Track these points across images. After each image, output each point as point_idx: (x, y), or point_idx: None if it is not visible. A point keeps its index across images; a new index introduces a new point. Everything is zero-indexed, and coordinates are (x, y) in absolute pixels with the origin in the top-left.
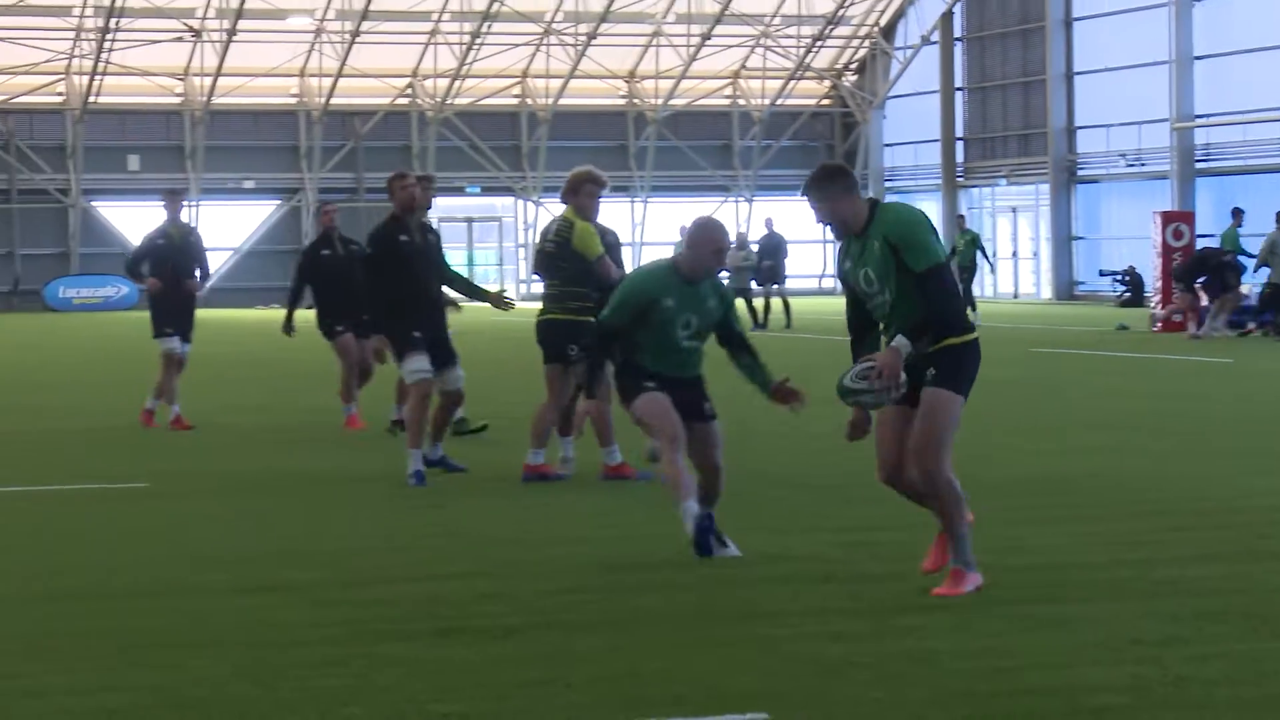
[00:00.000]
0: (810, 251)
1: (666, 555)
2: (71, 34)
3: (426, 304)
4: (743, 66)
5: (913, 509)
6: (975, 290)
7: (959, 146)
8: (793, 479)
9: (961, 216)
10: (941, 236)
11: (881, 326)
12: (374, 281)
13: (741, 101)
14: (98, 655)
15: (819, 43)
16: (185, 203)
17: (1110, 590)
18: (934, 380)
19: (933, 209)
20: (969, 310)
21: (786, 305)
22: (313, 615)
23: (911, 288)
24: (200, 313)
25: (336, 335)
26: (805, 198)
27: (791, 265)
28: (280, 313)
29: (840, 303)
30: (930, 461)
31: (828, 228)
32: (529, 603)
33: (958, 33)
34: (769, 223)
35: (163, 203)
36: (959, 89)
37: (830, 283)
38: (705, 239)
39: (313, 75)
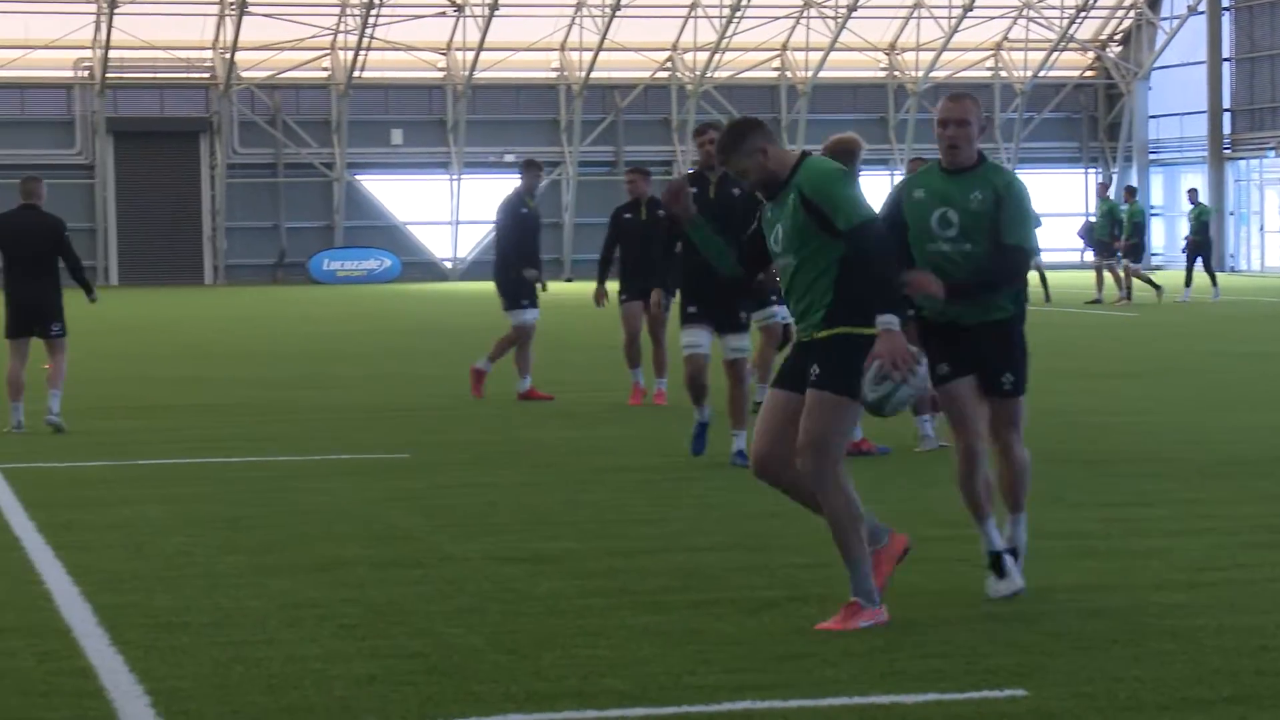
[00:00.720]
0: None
1: (928, 530)
2: (337, 10)
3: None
4: (1005, 38)
5: (1181, 486)
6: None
7: (1226, 118)
8: (1056, 453)
9: (1194, 190)
10: (1209, 208)
11: (784, 293)
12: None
13: (1003, 73)
14: (356, 623)
15: (1083, 13)
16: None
17: None
18: (816, 380)
19: (1199, 182)
20: (1211, 283)
21: (1044, 278)
22: (570, 586)
23: (819, 253)
24: (450, 286)
25: (623, 302)
26: (723, 168)
27: (1046, 238)
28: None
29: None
30: (809, 463)
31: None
32: (785, 576)
33: (1225, 2)
34: None
35: (520, 174)
36: (1226, 59)
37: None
38: None
39: (573, 49)
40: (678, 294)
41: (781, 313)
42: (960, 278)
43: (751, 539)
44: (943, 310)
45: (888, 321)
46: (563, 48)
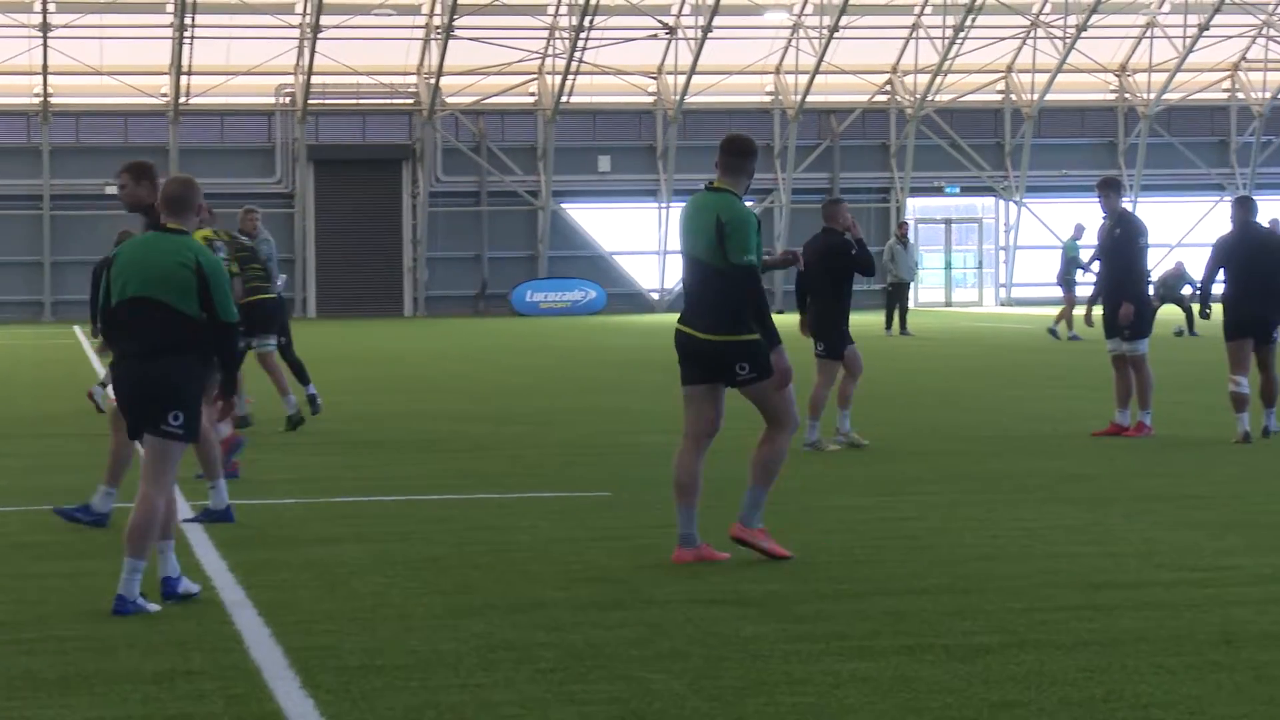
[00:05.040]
0: None
1: (1148, 574)
2: (545, 33)
3: None
4: (1243, 58)
5: None
6: None
7: None
8: None
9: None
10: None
11: None
12: None
13: (1240, 95)
14: (553, 666)
15: None
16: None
17: None
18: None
19: None
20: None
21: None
22: (775, 629)
23: None
24: (656, 318)
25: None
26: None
27: None
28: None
29: None
30: None
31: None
32: (1001, 620)
33: None
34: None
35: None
36: None
37: None
38: None
39: (789, 72)
40: None
41: None
42: None
43: (964, 581)
44: None
45: None
46: (778, 71)
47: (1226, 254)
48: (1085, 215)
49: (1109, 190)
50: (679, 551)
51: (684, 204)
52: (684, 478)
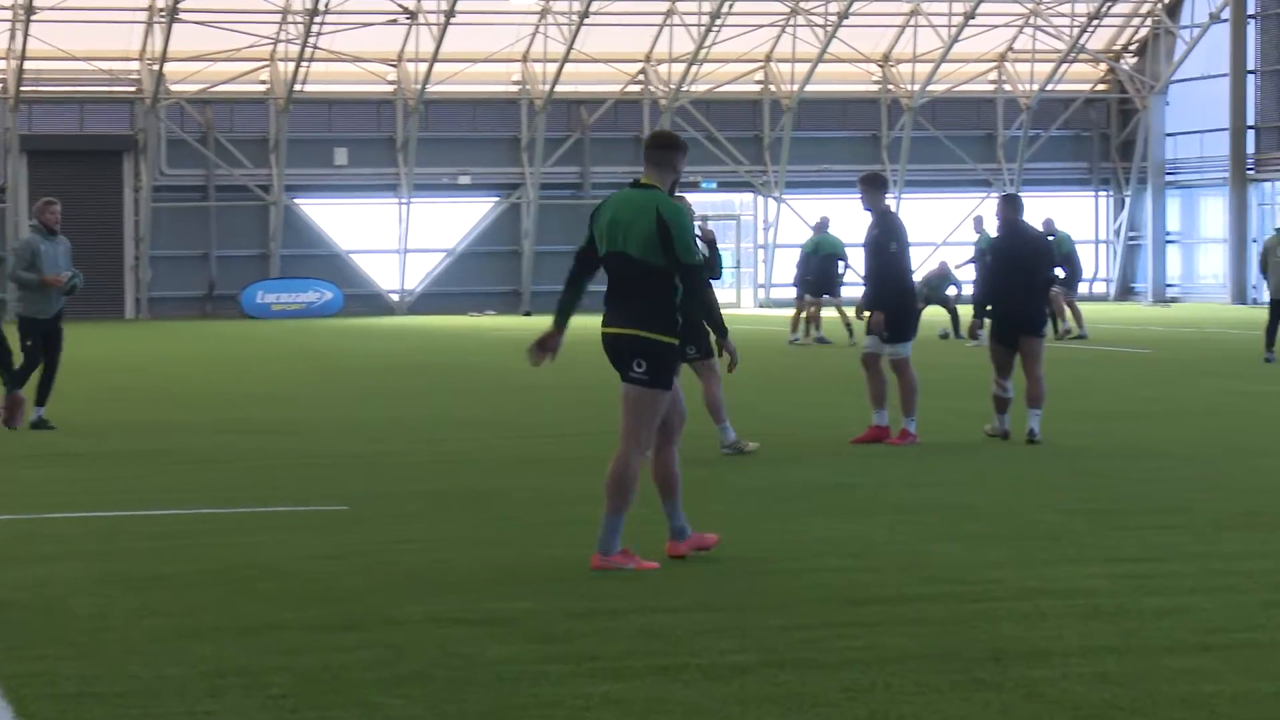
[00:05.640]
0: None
1: (913, 588)
2: (277, 17)
3: None
4: (1009, 48)
5: (1196, 539)
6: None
7: (1250, 136)
8: (1064, 503)
9: (1049, 220)
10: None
11: None
12: None
13: (1007, 87)
14: (286, 692)
15: (1095, 21)
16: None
17: None
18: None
19: (1219, 205)
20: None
21: (1076, 312)
22: (523, 650)
23: None
24: (397, 320)
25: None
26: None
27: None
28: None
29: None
30: None
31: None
32: (759, 638)
33: (1251, 9)
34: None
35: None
36: (1251, 71)
37: (1100, 287)
38: None
39: (536, 60)
40: None
41: None
42: None
43: (721, 597)
44: None
45: None
46: (525, 59)
47: (997, 258)
48: (839, 211)
49: (869, 187)
50: (671, 545)
51: (603, 200)
52: (658, 476)
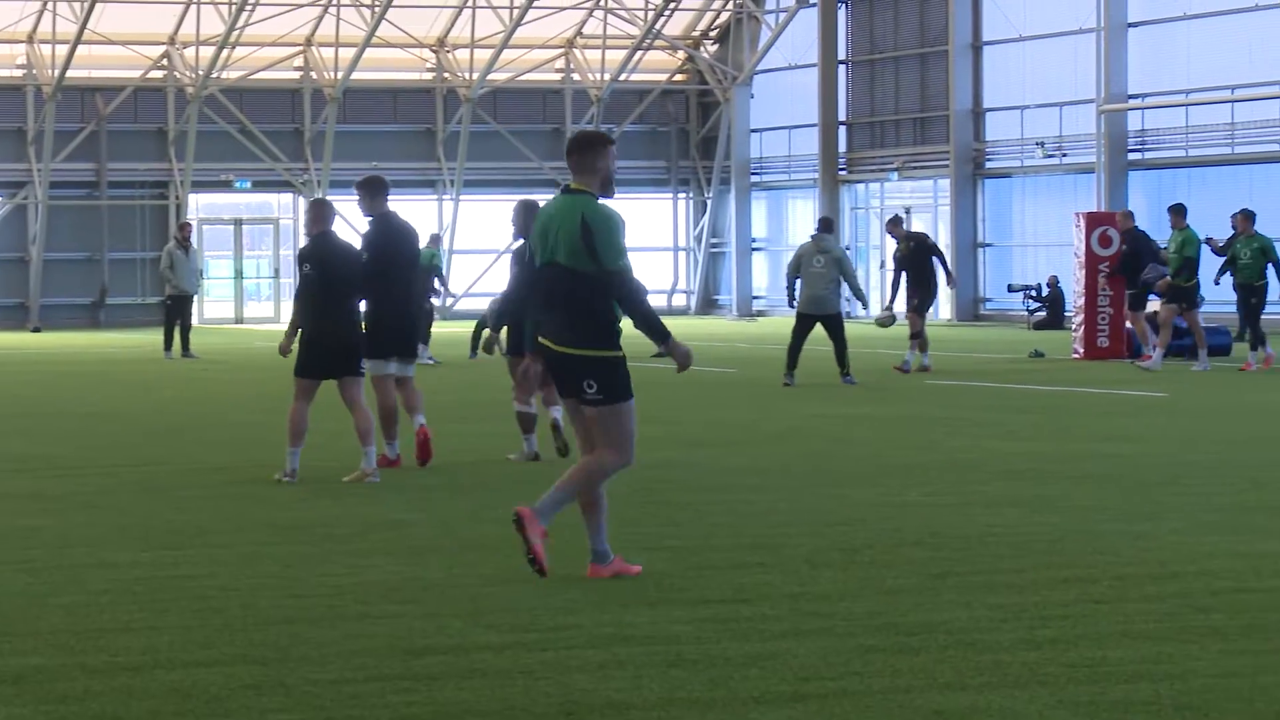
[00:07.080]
0: (657, 260)
1: (476, 636)
2: None
3: None
4: (578, 34)
5: (788, 579)
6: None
7: (841, 132)
8: (644, 540)
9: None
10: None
11: None
12: None
13: (576, 76)
14: None
15: (672, 5)
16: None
17: (1017, 676)
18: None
19: (808, 209)
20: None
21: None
22: (34, 712)
23: None
24: None
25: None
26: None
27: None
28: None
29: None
30: None
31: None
32: (304, 695)
33: None
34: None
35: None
36: (842, 62)
37: (680, 300)
38: None
39: (43, 41)
40: None
41: None
42: None
43: (261, 649)
44: None
45: None
46: (30, 39)
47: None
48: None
49: (366, 191)
50: (592, 568)
51: (540, 211)
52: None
